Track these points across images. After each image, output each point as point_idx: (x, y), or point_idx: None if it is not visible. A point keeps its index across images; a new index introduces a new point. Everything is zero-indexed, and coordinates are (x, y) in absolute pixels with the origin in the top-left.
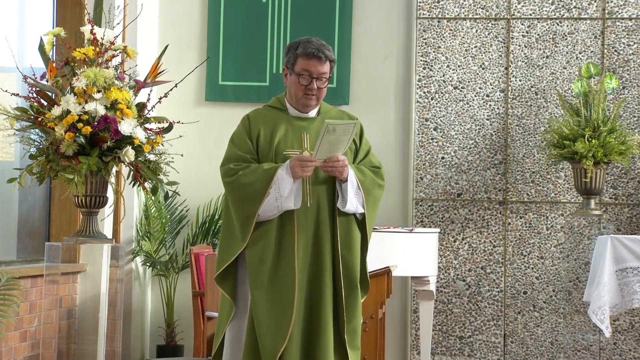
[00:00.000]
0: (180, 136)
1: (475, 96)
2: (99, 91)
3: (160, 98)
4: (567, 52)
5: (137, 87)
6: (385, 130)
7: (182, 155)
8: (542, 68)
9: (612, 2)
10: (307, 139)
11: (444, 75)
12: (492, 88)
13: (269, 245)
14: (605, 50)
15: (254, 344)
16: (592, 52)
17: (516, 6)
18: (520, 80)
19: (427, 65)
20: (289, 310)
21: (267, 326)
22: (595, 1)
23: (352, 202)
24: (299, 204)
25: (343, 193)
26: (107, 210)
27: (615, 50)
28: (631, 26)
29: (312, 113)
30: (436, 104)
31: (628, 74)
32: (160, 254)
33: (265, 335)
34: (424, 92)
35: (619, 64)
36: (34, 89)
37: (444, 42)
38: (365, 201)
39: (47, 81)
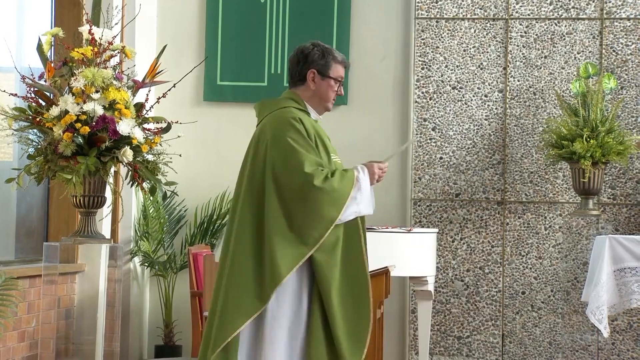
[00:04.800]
0: (179, 136)
1: (473, 96)
2: (97, 91)
3: (159, 98)
4: (565, 52)
5: (135, 87)
6: (383, 130)
7: (180, 156)
8: (541, 68)
9: (610, 2)
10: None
11: (442, 76)
12: (491, 88)
13: (337, 248)
14: (604, 51)
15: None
16: (590, 52)
17: (514, 6)
18: (518, 81)
19: (425, 65)
20: (367, 314)
21: (345, 330)
22: (593, 1)
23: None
24: (372, 211)
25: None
26: (106, 210)
27: (614, 51)
28: (629, 26)
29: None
30: (434, 104)
31: (626, 74)
32: (158, 254)
33: (343, 340)
34: (422, 92)
35: (617, 64)
36: (32, 89)
37: (443, 42)
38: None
39: (45, 81)
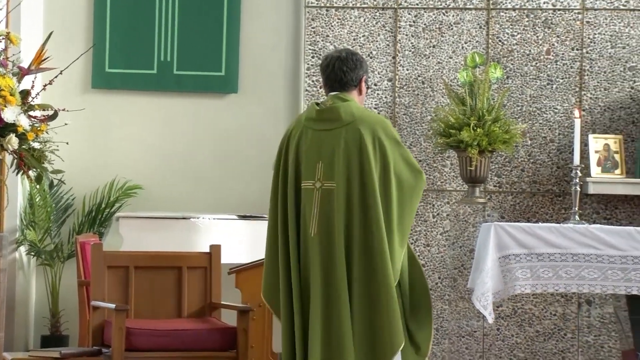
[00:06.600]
0: (66, 124)
1: None
2: None
3: (45, 85)
4: (453, 42)
5: (21, 74)
6: (274, 120)
7: (67, 143)
8: (429, 57)
9: None
10: None
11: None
12: (380, 77)
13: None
14: (490, 41)
15: None
16: (477, 42)
17: None
18: (407, 70)
19: (315, 54)
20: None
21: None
22: None
23: None
24: None
25: None
26: None
27: (500, 41)
28: (515, 17)
29: None
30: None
31: (512, 64)
32: (45, 243)
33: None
34: (313, 81)
35: (503, 53)
36: None
37: (333, 31)
38: None
39: None
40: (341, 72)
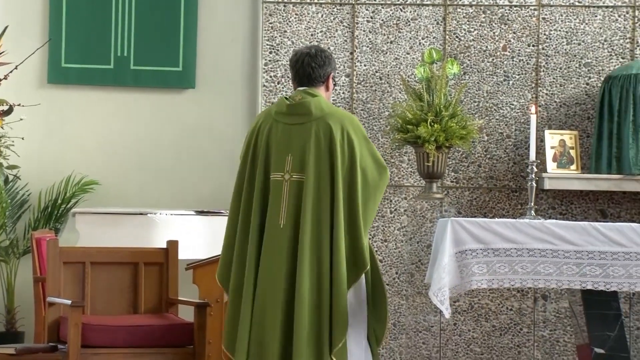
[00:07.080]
0: (21, 119)
1: None
2: None
3: (0, 80)
4: (410, 38)
5: None
6: (232, 114)
7: (22, 139)
8: (387, 53)
9: None
10: None
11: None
12: (338, 73)
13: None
14: (447, 37)
15: None
16: (434, 37)
17: None
18: (365, 65)
19: (273, 49)
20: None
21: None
22: None
23: None
24: None
25: None
26: None
27: (457, 37)
28: (471, 13)
29: None
30: (283, 88)
31: (469, 60)
32: (0, 239)
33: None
34: (270, 77)
35: (460, 49)
36: None
37: (290, 26)
38: None
39: None
40: (310, 67)
